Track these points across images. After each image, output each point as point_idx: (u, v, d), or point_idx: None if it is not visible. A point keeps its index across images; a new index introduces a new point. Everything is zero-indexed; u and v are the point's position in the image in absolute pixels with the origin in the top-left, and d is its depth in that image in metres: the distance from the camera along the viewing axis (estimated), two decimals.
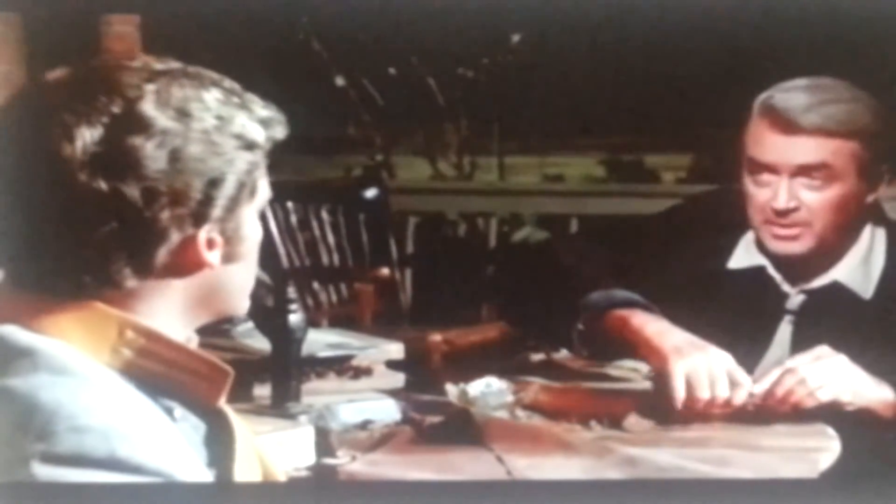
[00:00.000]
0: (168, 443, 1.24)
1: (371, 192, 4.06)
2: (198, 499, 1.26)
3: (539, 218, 4.78)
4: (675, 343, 2.06)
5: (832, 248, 2.21)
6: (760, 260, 2.25)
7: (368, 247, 3.97)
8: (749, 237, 2.26)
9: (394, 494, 1.61)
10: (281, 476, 1.47)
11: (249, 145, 1.30)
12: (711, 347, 2.05)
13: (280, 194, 1.39)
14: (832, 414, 2.02)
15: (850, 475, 1.87)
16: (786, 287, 2.24)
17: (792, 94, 2.18)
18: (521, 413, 2.03)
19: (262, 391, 2.01)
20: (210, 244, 1.30)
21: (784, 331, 2.24)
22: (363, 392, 2.11)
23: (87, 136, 1.23)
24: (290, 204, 3.89)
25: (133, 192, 1.23)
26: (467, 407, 1.99)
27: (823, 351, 2.05)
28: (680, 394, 2.01)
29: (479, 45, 5.03)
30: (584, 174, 5.50)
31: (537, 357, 2.35)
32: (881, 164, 2.18)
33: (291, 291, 2.01)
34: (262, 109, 1.33)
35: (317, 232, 3.93)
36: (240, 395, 1.51)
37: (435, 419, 1.98)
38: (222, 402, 1.34)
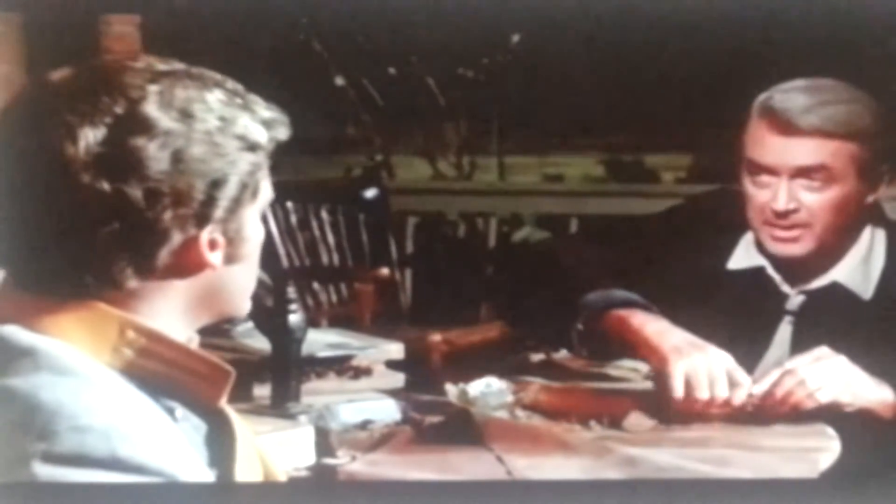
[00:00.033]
0: (169, 443, 1.24)
1: (371, 192, 4.06)
2: (199, 499, 1.26)
3: (539, 218, 4.78)
4: (675, 343, 2.06)
5: (832, 248, 2.21)
6: (760, 260, 2.25)
7: (368, 247, 3.97)
8: (749, 237, 2.26)
9: (394, 494, 1.61)
10: (282, 476, 1.47)
11: (252, 146, 1.30)
12: (711, 347, 2.05)
13: (280, 194, 1.39)
14: (832, 414, 2.02)
15: (849, 475, 1.87)
16: (785, 288, 2.24)
17: (791, 96, 2.18)
18: (520, 413, 2.03)
19: (262, 391, 2.01)
20: (212, 245, 1.30)
21: (784, 331, 2.24)
22: (363, 392, 2.11)
23: (90, 136, 1.23)
24: (289, 204, 3.89)
25: (135, 192, 1.23)
26: (467, 407, 1.99)
27: (823, 352, 2.05)
28: (679, 393, 2.01)
29: (479, 46, 5.02)
30: (583, 174, 5.49)
31: (537, 357, 2.35)
32: (881, 165, 2.18)
33: (291, 291, 2.01)
34: (265, 110, 1.33)
35: (316, 232, 3.93)
36: (240, 395, 1.51)
37: (435, 419, 1.98)
38: (223, 403, 1.34)
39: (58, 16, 3.34)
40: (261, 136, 1.32)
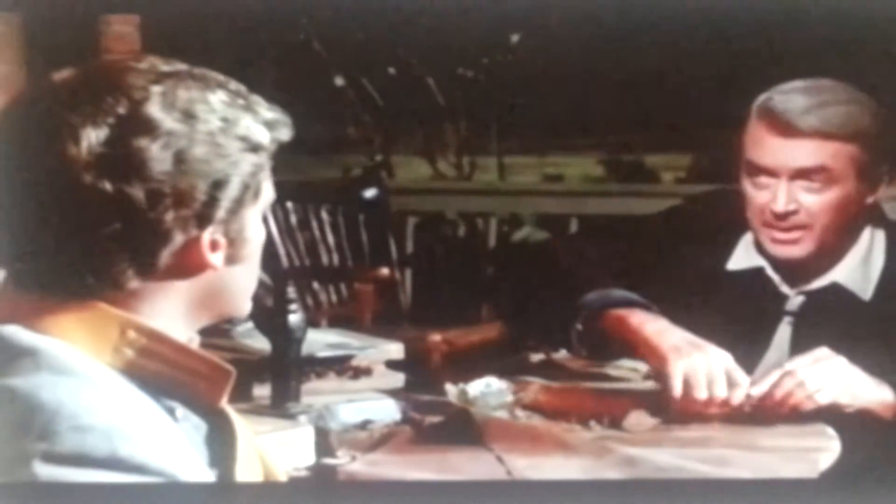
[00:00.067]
0: (170, 443, 1.24)
1: (371, 192, 4.06)
2: (199, 499, 1.26)
3: (539, 218, 4.78)
4: (674, 342, 2.06)
5: (831, 249, 2.21)
6: (759, 261, 2.25)
7: (368, 247, 3.97)
8: (748, 238, 2.26)
9: (393, 494, 1.61)
10: (282, 476, 1.47)
11: (254, 147, 1.30)
12: (710, 346, 2.05)
13: (280, 194, 1.39)
14: (832, 415, 2.02)
15: (849, 475, 1.87)
16: (785, 288, 2.24)
17: (790, 97, 2.17)
18: (520, 413, 2.03)
19: (262, 391, 2.01)
20: (213, 246, 1.30)
21: (783, 332, 2.24)
22: (363, 392, 2.11)
23: (93, 136, 1.23)
24: (289, 204, 3.89)
25: (137, 193, 1.23)
26: (467, 407, 1.99)
27: (823, 353, 2.05)
28: (677, 393, 2.01)
29: (479, 45, 5.03)
30: (583, 174, 5.50)
31: (537, 357, 2.35)
32: (880, 166, 2.18)
33: (291, 291, 2.01)
34: (268, 111, 1.33)
35: (316, 232, 3.93)
36: (239, 394, 1.51)
37: (435, 419, 1.98)
38: (224, 402, 1.34)
39: (58, 16, 3.34)
40: (263, 137, 1.32)
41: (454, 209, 4.80)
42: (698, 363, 2.02)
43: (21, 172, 1.25)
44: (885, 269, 2.21)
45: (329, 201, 3.98)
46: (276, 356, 2.00)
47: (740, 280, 2.25)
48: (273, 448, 1.60)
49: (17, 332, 1.25)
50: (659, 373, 2.07)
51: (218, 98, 1.29)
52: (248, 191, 1.31)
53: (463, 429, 1.92)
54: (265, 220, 1.37)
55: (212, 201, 1.27)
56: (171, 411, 1.28)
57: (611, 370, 2.28)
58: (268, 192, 1.35)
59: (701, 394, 2.01)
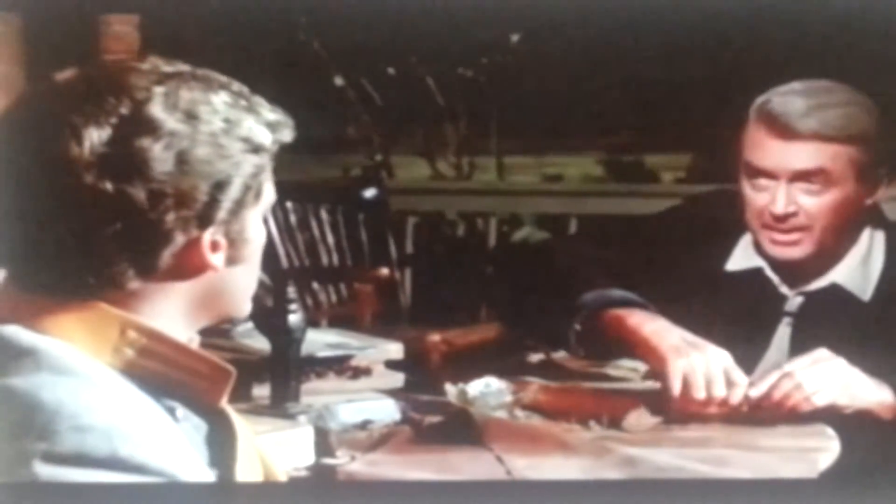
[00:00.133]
0: (170, 443, 1.24)
1: (370, 192, 4.06)
2: (199, 499, 1.26)
3: (538, 218, 4.78)
4: (673, 342, 2.06)
5: (831, 251, 2.21)
6: (758, 262, 2.25)
7: (368, 247, 3.97)
8: (747, 239, 2.26)
9: (393, 494, 1.61)
10: (282, 476, 1.47)
11: (256, 148, 1.31)
12: (709, 346, 2.05)
13: (279, 194, 1.39)
14: (832, 415, 2.02)
15: (849, 475, 1.87)
16: (784, 289, 2.24)
17: (789, 99, 2.17)
18: (520, 413, 2.03)
19: (262, 391, 2.01)
20: (214, 246, 1.30)
21: (783, 333, 2.24)
22: (362, 392, 2.11)
23: (95, 136, 1.23)
24: (289, 204, 3.89)
25: (139, 193, 1.24)
26: (466, 407, 1.99)
27: (822, 354, 2.05)
28: (676, 393, 2.01)
29: (479, 46, 5.02)
30: (583, 174, 5.49)
31: (536, 357, 2.35)
32: (880, 168, 2.18)
33: (291, 291, 2.01)
34: (270, 113, 1.33)
35: (316, 232, 3.93)
36: (239, 395, 1.51)
37: (434, 419, 1.98)
38: (224, 402, 1.34)
39: (57, 16, 3.35)
40: (265, 138, 1.32)
41: (454, 209, 4.80)
42: (697, 363, 2.02)
43: (23, 172, 1.25)
44: (885, 270, 2.21)
45: (329, 201, 3.98)
46: (276, 356, 2.00)
47: (739, 281, 2.25)
48: (273, 448, 1.60)
49: (17, 332, 1.25)
50: (658, 373, 2.07)
51: (220, 99, 1.29)
52: (250, 192, 1.31)
53: (462, 429, 1.92)
54: (265, 220, 1.37)
55: (213, 202, 1.27)
56: (171, 411, 1.28)
57: (610, 370, 2.28)
58: (269, 194, 1.35)
59: (699, 393, 2.01)
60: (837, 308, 2.20)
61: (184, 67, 1.31)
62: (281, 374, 1.98)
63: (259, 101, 1.33)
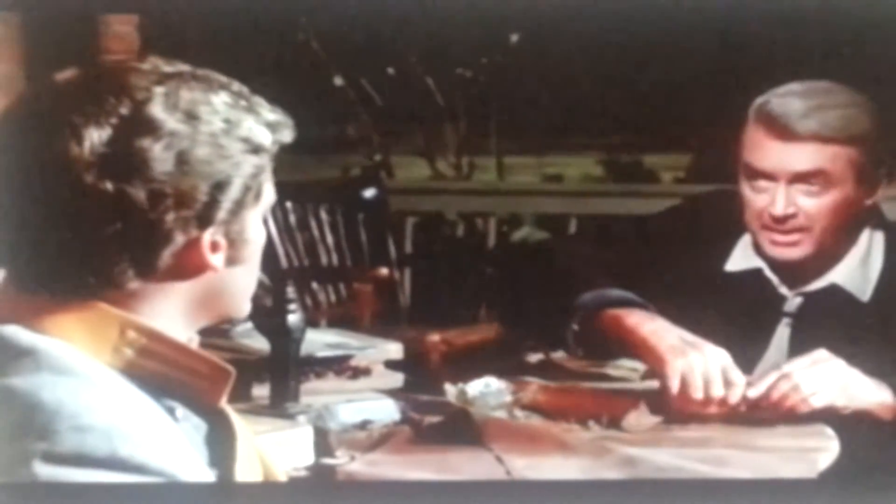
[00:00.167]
0: (170, 443, 1.24)
1: (370, 192, 4.06)
2: (199, 498, 1.26)
3: (538, 218, 4.78)
4: (671, 342, 2.06)
5: (830, 251, 2.21)
6: (758, 262, 2.25)
7: (367, 247, 3.97)
8: (746, 239, 2.26)
9: (393, 494, 1.61)
10: (281, 476, 1.47)
11: (256, 149, 1.31)
12: (707, 345, 2.05)
13: (278, 194, 1.40)
14: (831, 415, 2.02)
15: (848, 475, 1.87)
16: (783, 290, 2.24)
17: (788, 100, 2.17)
18: (519, 413, 2.03)
19: (261, 391, 2.01)
20: (214, 247, 1.30)
21: (782, 333, 2.24)
22: (362, 392, 2.11)
23: (95, 136, 1.23)
24: (288, 204, 3.89)
25: (139, 193, 1.24)
26: (466, 407, 1.99)
27: (821, 355, 2.05)
28: (675, 392, 2.01)
29: (478, 46, 5.02)
30: (582, 174, 5.50)
31: (536, 357, 2.35)
32: (879, 168, 2.18)
33: (290, 291, 2.01)
34: (270, 113, 1.34)
35: (315, 232, 3.93)
36: (239, 395, 1.51)
37: (434, 419, 1.98)
38: (224, 403, 1.34)
39: (57, 16, 3.35)
40: (265, 138, 1.32)
41: (453, 209, 4.80)
42: (695, 362, 2.02)
43: (23, 172, 1.25)
44: (884, 270, 2.21)
45: (328, 201, 3.98)
46: (276, 356, 2.00)
47: (739, 281, 2.25)
48: (272, 448, 1.60)
49: (17, 332, 1.25)
50: (656, 372, 2.07)
51: (221, 99, 1.29)
52: (250, 192, 1.31)
53: (462, 429, 1.92)
54: (264, 220, 1.37)
55: (213, 202, 1.28)
56: (171, 411, 1.28)
57: (610, 370, 2.28)
58: (269, 194, 1.35)
59: (697, 393, 2.01)
60: (837, 308, 2.20)
61: (184, 67, 1.31)
62: (280, 374, 1.98)
63: (259, 101, 1.34)
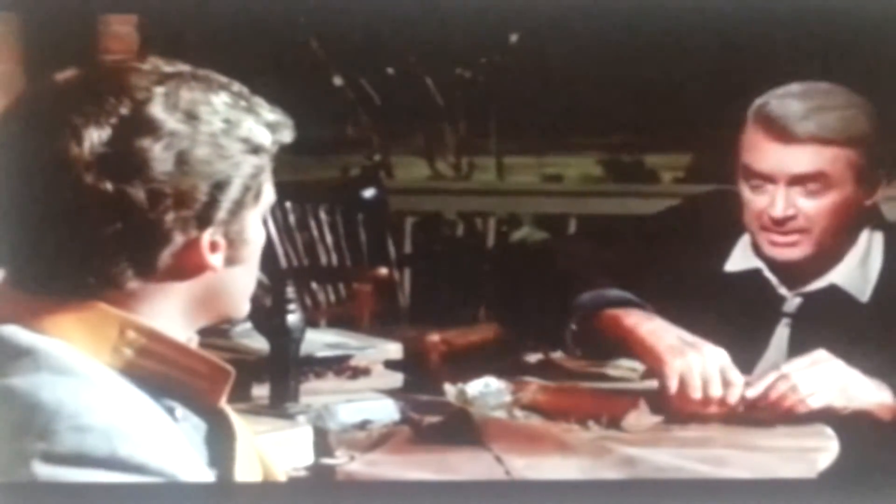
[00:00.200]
0: (169, 442, 1.24)
1: (369, 192, 4.07)
2: (199, 498, 1.26)
3: (537, 218, 4.78)
4: (669, 342, 2.06)
5: (830, 252, 2.21)
6: (757, 263, 2.25)
7: (366, 247, 3.97)
8: (746, 239, 2.26)
9: (392, 494, 1.61)
10: (281, 476, 1.47)
11: (256, 149, 1.31)
12: (706, 345, 2.05)
13: (278, 194, 1.40)
14: (830, 415, 2.02)
15: (848, 475, 1.87)
16: (782, 290, 2.24)
17: (786, 102, 2.17)
18: (519, 413, 2.03)
19: (261, 391, 2.01)
20: (213, 247, 1.30)
21: (781, 334, 2.24)
22: (361, 392, 2.11)
23: (95, 136, 1.23)
24: (288, 204, 3.89)
25: (138, 193, 1.24)
26: (466, 407, 1.99)
27: (820, 356, 2.05)
28: (673, 392, 2.01)
29: (478, 46, 5.03)
30: (582, 174, 5.50)
31: (535, 357, 2.35)
32: (878, 169, 2.18)
33: (290, 291, 2.01)
34: (270, 113, 1.34)
35: (315, 232, 3.94)
36: (238, 395, 1.51)
37: (433, 419, 1.98)
38: (223, 402, 1.35)
39: (57, 16, 3.35)
40: (265, 138, 1.32)
41: (453, 209, 4.80)
42: (694, 362, 2.02)
43: (23, 172, 1.25)
44: (883, 271, 2.21)
45: (328, 201, 3.99)
46: (275, 356, 2.00)
47: (738, 281, 2.25)
48: (272, 448, 1.60)
49: (17, 332, 1.25)
50: (654, 372, 2.07)
51: (220, 99, 1.29)
52: (249, 192, 1.31)
53: (461, 429, 1.92)
54: (264, 220, 1.38)
55: (212, 202, 1.28)
56: (170, 411, 1.28)
57: (609, 370, 2.28)
58: (268, 194, 1.35)
59: (696, 393, 2.01)
60: (836, 309, 2.20)
61: (184, 68, 1.31)
62: (280, 374, 1.98)
63: (259, 101, 1.34)
